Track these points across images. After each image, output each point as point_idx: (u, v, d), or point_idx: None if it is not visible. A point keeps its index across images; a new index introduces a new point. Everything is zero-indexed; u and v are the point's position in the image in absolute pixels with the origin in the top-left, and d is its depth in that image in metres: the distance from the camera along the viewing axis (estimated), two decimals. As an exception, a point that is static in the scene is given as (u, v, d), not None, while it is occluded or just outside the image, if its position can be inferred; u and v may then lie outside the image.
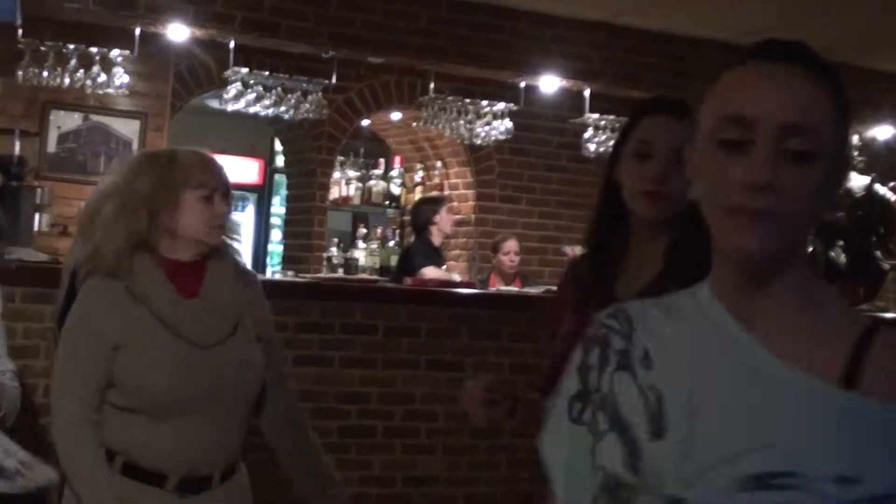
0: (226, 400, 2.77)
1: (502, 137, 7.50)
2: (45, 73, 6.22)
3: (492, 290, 6.42)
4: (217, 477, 2.75)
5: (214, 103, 9.07)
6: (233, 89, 6.70)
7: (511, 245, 7.37)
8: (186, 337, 2.72)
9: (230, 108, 6.80)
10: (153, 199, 2.72)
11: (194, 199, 2.74)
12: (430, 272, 6.94)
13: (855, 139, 7.17)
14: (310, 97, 6.85)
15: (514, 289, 6.71)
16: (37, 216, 6.12)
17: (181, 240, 2.77)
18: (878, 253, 6.44)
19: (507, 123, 7.41)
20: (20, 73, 6.23)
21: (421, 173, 8.83)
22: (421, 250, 7.32)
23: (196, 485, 2.73)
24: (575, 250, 6.59)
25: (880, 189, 6.50)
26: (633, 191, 2.29)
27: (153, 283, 2.72)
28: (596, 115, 7.62)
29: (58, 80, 6.26)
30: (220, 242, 2.85)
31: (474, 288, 6.36)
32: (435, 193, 8.58)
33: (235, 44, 6.50)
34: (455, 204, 8.68)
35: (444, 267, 7.23)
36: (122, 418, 2.67)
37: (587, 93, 7.52)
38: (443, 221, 7.31)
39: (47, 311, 4.94)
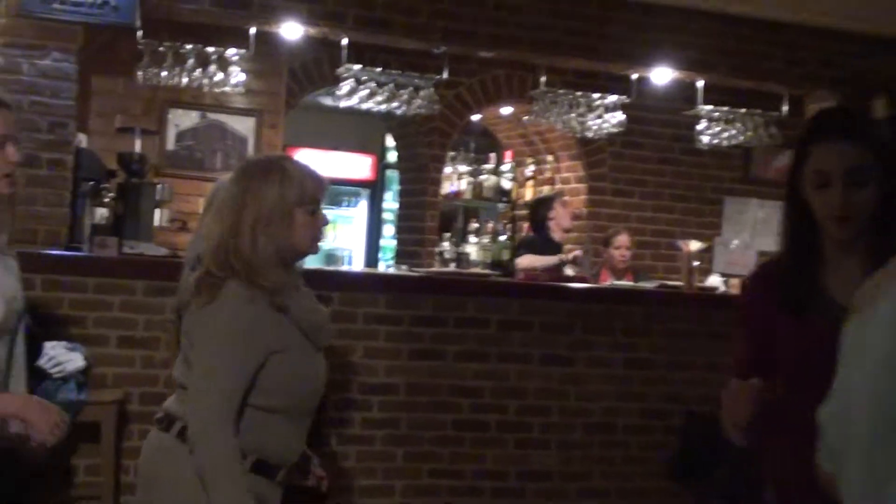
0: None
1: (614, 130, 7.43)
2: (164, 74, 6.35)
3: (604, 284, 6.37)
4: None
5: (327, 100, 9.17)
6: (346, 86, 6.75)
7: (622, 240, 7.31)
8: (314, 341, 2.85)
9: (343, 104, 6.84)
10: (271, 216, 2.76)
11: (302, 215, 2.79)
12: (524, 261, 6.93)
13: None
14: (422, 92, 6.88)
15: (627, 283, 6.66)
16: (157, 212, 6.25)
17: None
18: None
19: (620, 116, 7.35)
20: (140, 73, 6.36)
21: (532, 167, 8.81)
22: (527, 242, 7.32)
23: (292, 475, 2.90)
24: (689, 244, 6.52)
25: None
26: (820, 216, 2.47)
27: (288, 290, 2.79)
28: (709, 107, 7.51)
29: (176, 79, 6.38)
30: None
31: (588, 282, 6.32)
32: (547, 190, 8.57)
33: (348, 41, 6.56)
34: (567, 198, 8.64)
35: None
36: (263, 418, 2.74)
37: (700, 84, 7.42)
38: (559, 216, 7.29)
39: (168, 304, 5.07)
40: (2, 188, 2.92)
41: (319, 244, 2.90)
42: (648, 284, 6.56)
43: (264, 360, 2.71)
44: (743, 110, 7.55)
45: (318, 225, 2.85)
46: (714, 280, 6.66)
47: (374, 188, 11.99)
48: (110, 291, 5.26)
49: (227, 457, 2.65)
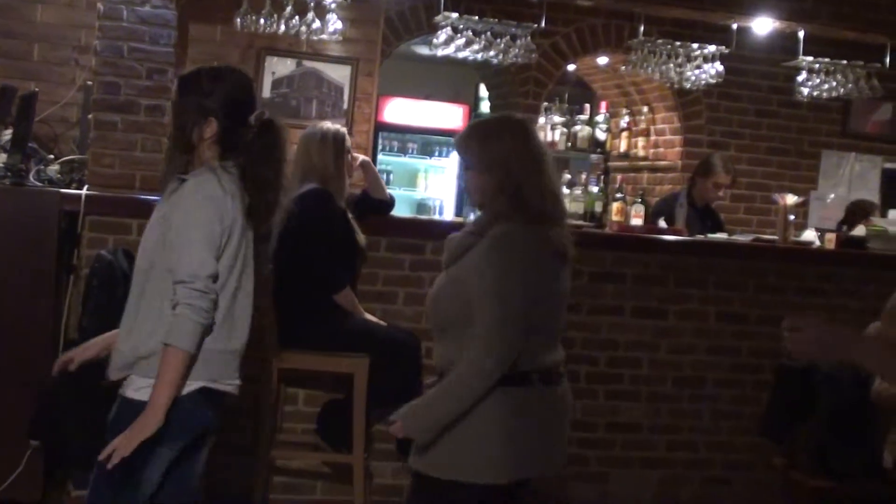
0: None
1: (712, 81, 7.33)
2: (262, 21, 6.38)
3: (699, 237, 6.32)
4: None
5: (421, 49, 9.17)
6: (443, 34, 6.73)
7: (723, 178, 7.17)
8: None
9: (440, 53, 6.83)
10: None
11: None
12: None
13: None
14: (518, 41, 6.84)
15: (721, 236, 6.59)
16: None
17: None
18: None
19: (718, 67, 7.24)
20: (238, 20, 6.41)
21: (627, 118, 8.74)
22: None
23: None
24: (785, 198, 6.43)
25: None
26: None
27: None
28: (810, 58, 7.37)
29: (273, 27, 6.41)
30: None
31: (683, 235, 6.28)
32: (642, 141, 8.54)
33: (445, -11, 6.55)
34: (661, 150, 8.57)
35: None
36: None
37: (801, 34, 7.27)
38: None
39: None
40: None
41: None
42: (743, 238, 6.50)
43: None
44: (844, 62, 7.40)
45: None
46: (809, 234, 6.56)
47: (467, 138, 11.95)
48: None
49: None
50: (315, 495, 5.39)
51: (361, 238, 5.12)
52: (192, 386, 3.20)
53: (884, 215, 7.40)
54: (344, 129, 5.22)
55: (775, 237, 6.40)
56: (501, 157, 3.20)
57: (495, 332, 3.08)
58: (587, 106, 8.86)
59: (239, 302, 3.32)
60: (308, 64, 7.09)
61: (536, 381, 3.18)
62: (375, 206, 5.30)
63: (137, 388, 3.22)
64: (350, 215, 5.07)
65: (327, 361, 4.85)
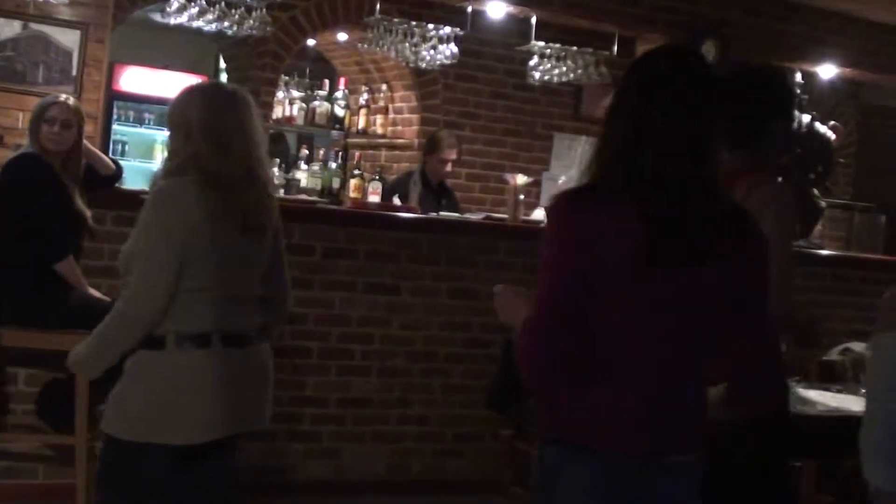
0: None
1: (447, 62, 7.44)
2: (-16, -21, 6.08)
3: (432, 215, 6.42)
4: None
5: (158, 17, 8.92)
6: (175, 2, 6.58)
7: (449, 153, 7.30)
8: None
9: (173, 21, 6.68)
10: None
11: None
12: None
13: (798, 77, 7.22)
14: (254, 13, 6.75)
15: (453, 214, 6.71)
16: (-28, 125, 6.02)
17: None
18: (815, 191, 6.51)
19: (453, 48, 7.35)
20: (-43, -23, 6.08)
21: (366, 95, 8.77)
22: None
23: None
24: (516, 178, 6.60)
25: (820, 128, 6.55)
26: None
27: None
28: (542, 43, 7.59)
29: (-4, -14, 6.12)
30: None
31: (416, 213, 6.36)
32: (381, 119, 8.59)
33: (180, -44, 6.39)
34: (399, 128, 8.65)
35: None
36: None
37: (534, 20, 7.48)
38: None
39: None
40: None
41: None
42: (475, 216, 6.64)
43: None
44: (574, 48, 7.65)
45: None
46: (539, 214, 6.77)
47: (205, 109, 11.73)
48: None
49: None
50: (37, 479, 5.19)
51: (84, 208, 4.93)
52: None
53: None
54: (52, 98, 4.99)
55: (506, 216, 6.57)
56: (186, 120, 3.29)
57: (140, 284, 3.17)
58: (326, 81, 8.85)
59: None
60: (35, 27, 6.78)
61: (217, 342, 3.23)
62: (102, 180, 5.14)
63: None
64: (74, 185, 4.89)
65: (49, 339, 4.65)
